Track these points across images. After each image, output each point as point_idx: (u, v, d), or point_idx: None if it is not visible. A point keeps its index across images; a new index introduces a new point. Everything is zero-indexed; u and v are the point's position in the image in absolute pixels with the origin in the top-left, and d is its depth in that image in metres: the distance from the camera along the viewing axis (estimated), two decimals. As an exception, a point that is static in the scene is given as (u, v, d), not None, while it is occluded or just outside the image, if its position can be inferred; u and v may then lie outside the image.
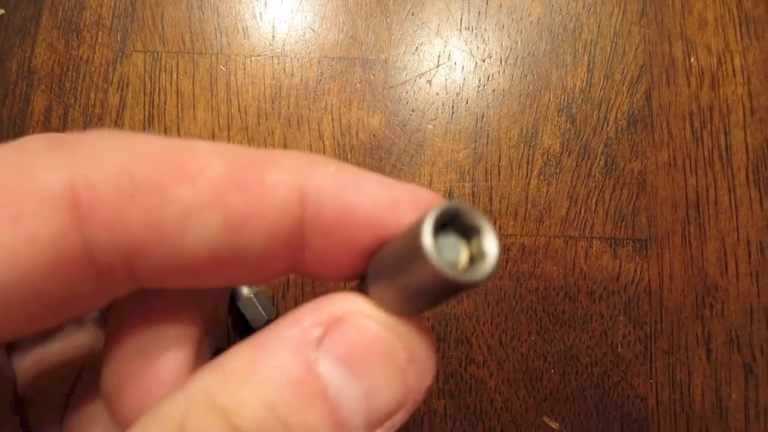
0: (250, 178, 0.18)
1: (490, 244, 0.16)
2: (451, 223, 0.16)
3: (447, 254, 0.16)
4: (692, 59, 0.39)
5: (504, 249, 0.37)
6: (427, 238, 0.14)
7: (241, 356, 0.18)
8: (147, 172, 0.16)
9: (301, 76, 0.38)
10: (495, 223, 0.37)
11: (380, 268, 0.19)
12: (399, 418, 0.20)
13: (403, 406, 0.20)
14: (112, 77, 0.37)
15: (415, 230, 0.16)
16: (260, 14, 0.39)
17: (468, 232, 0.16)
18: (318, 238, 0.19)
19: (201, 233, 0.17)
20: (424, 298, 0.17)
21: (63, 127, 0.37)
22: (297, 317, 0.19)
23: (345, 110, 0.38)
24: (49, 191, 0.16)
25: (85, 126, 0.37)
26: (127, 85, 0.37)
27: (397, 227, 0.17)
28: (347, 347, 0.18)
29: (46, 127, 0.37)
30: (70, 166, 0.16)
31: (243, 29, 0.38)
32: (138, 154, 0.17)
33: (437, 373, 0.34)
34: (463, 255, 0.15)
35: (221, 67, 0.38)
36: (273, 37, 0.38)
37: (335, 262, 0.20)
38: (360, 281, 0.20)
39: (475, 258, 0.16)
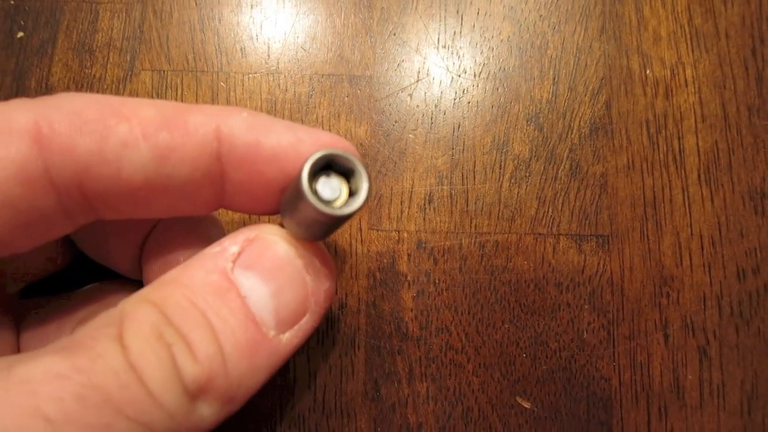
0: (176, 119, 0.23)
1: (362, 183, 0.21)
2: (334, 166, 0.21)
3: (326, 193, 0.21)
4: (648, 71, 0.44)
5: (479, 246, 0.41)
6: (304, 181, 0.19)
7: (173, 270, 0.23)
8: (93, 113, 0.21)
9: (294, 91, 0.42)
10: (471, 222, 0.41)
11: (284, 204, 0.24)
12: (306, 323, 0.25)
13: (307, 308, 0.25)
14: (123, 93, 0.42)
15: (299, 174, 0.21)
16: (256, 35, 0.43)
17: (347, 174, 0.21)
18: (233, 172, 0.23)
19: (135, 161, 0.22)
20: (316, 227, 0.22)
21: (78, 139, 0.41)
22: (220, 241, 0.24)
23: (334, 122, 0.42)
24: (17, 125, 0.21)
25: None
26: (136, 101, 0.42)
27: (300, 163, 0.22)
28: (257, 258, 0.24)
29: (63, 139, 0.41)
30: (35, 109, 0.21)
31: (241, 49, 0.43)
32: (87, 101, 0.22)
33: (420, 358, 0.38)
34: (344, 192, 0.20)
35: (221, 83, 0.42)
36: (268, 56, 0.43)
37: (253, 196, 0.25)
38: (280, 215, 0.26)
39: (353, 194, 0.21)
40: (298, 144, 0.23)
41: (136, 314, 0.20)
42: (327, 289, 0.27)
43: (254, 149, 0.23)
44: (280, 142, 0.23)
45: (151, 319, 0.20)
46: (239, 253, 0.23)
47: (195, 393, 0.21)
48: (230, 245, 0.24)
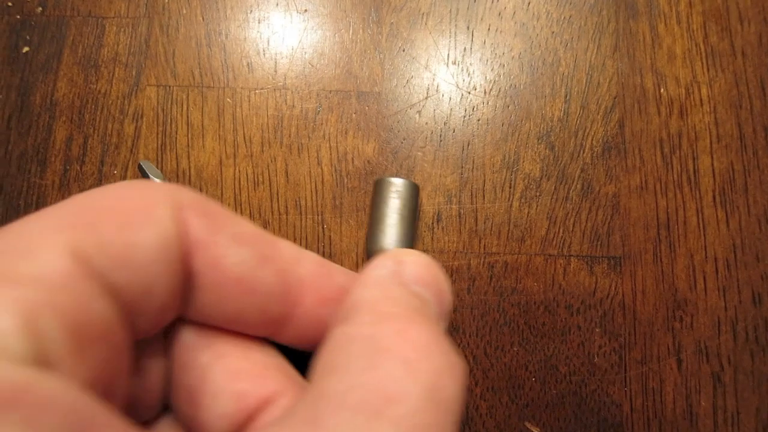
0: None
1: None
2: None
3: None
4: (662, 90, 0.44)
5: (488, 266, 0.41)
6: None
7: (364, 291, 0.24)
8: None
9: (301, 107, 0.43)
10: (480, 242, 0.42)
11: None
12: (448, 320, 0.28)
13: (449, 311, 0.28)
14: (128, 109, 0.42)
15: None
16: (263, 51, 0.44)
17: None
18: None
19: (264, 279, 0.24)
20: None
21: (83, 154, 0.41)
22: (379, 264, 0.26)
23: (342, 139, 0.42)
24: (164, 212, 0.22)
25: (103, 154, 0.42)
26: (142, 116, 0.42)
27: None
28: (417, 274, 0.26)
29: (67, 154, 0.41)
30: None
31: (248, 65, 0.43)
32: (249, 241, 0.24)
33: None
34: None
35: (228, 99, 0.43)
36: (275, 71, 0.43)
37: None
38: None
39: None
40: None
41: (407, 335, 0.21)
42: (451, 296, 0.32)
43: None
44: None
45: (424, 335, 0.21)
46: (401, 272, 0.26)
47: None
48: (393, 265, 0.26)
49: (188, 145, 0.42)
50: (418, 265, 0.27)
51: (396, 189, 0.38)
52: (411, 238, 0.38)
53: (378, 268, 0.26)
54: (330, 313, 0.27)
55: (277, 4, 0.44)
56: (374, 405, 0.18)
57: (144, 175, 0.39)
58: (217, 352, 0.26)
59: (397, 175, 0.42)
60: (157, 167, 0.41)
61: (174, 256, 0.22)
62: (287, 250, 0.28)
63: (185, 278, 0.23)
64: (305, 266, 0.28)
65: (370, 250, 0.38)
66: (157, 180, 0.39)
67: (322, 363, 0.21)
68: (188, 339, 0.26)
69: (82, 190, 0.41)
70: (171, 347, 0.26)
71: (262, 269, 0.25)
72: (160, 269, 0.21)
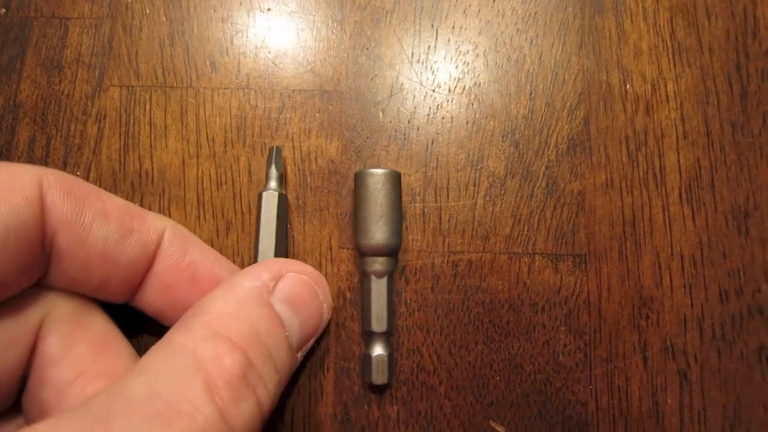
0: (137, 211, 0.30)
1: None
2: None
3: None
4: (628, 86, 0.44)
5: (452, 265, 0.42)
6: None
7: (219, 300, 0.26)
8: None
9: (264, 107, 0.43)
10: (444, 241, 0.42)
11: None
12: (311, 343, 0.33)
13: (316, 333, 0.33)
14: (91, 110, 0.43)
15: None
16: (227, 50, 0.44)
17: None
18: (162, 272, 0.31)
19: (102, 232, 0.26)
20: None
21: (46, 155, 0.42)
22: (253, 273, 0.29)
23: (305, 138, 0.43)
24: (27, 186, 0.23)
25: (66, 155, 0.42)
26: (105, 117, 0.43)
27: None
28: (290, 292, 0.30)
29: (30, 155, 0.42)
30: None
31: (211, 64, 0.44)
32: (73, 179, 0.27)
33: (389, 377, 0.39)
34: None
35: (191, 99, 0.43)
36: (238, 71, 0.44)
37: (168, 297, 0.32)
38: None
39: None
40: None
41: (222, 360, 0.23)
42: (328, 317, 0.36)
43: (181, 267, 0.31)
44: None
45: (239, 365, 0.23)
46: (274, 286, 0.29)
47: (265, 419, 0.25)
48: (268, 279, 0.29)
49: (151, 146, 0.42)
50: (295, 284, 0.31)
51: (382, 180, 0.38)
52: (400, 228, 0.39)
53: (251, 278, 0.29)
54: (179, 285, 0.30)
55: (241, 3, 0.45)
56: (166, 417, 0.19)
57: (269, 160, 0.40)
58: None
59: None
60: (120, 168, 0.42)
61: (27, 237, 0.23)
62: (155, 222, 0.30)
63: (42, 255, 0.25)
64: (167, 237, 0.29)
65: (361, 246, 0.39)
66: (274, 169, 0.40)
67: (143, 360, 0.22)
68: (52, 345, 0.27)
69: (44, 191, 0.42)
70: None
71: (126, 242, 0.28)
72: (8, 249, 0.23)
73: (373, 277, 0.39)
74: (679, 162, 0.43)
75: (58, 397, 0.26)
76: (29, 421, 0.27)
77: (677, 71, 0.44)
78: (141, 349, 0.37)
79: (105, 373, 0.27)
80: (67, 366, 0.27)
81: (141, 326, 0.38)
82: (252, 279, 0.28)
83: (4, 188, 0.23)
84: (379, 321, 0.39)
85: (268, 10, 0.45)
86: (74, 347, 0.27)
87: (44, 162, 0.42)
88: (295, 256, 0.41)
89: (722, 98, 0.44)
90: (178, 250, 0.30)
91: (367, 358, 0.39)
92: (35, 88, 0.43)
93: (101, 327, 0.29)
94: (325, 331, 0.40)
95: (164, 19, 0.44)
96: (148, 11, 0.44)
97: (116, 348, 0.30)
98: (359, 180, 0.39)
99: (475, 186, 0.42)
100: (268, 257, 0.39)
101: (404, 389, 0.40)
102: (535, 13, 0.45)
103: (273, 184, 0.40)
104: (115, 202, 0.27)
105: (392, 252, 0.39)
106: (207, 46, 0.44)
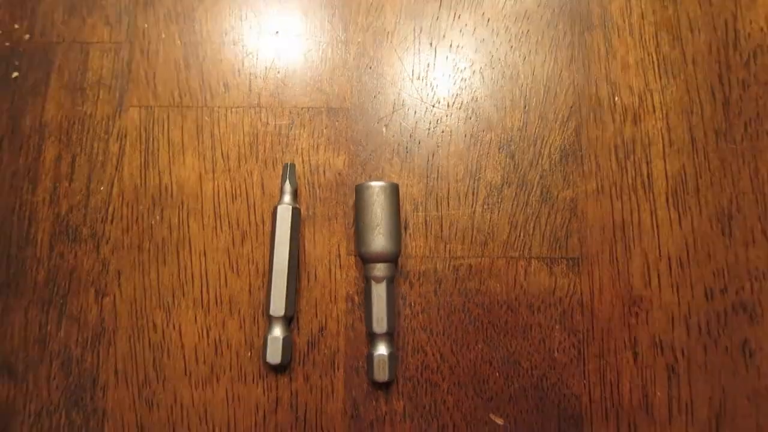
0: None
1: None
2: None
3: None
4: (616, 98, 0.47)
5: (453, 269, 0.45)
6: None
7: None
8: None
9: (275, 124, 0.47)
10: (445, 247, 0.45)
11: None
12: None
13: None
14: (112, 129, 0.46)
15: None
16: (238, 71, 0.47)
17: None
18: None
19: None
20: None
21: (71, 172, 0.45)
22: None
23: (313, 153, 0.46)
24: None
25: (90, 171, 0.46)
26: (125, 136, 0.46)
27: None
28: None
29: (56, 172, 0.45)
30: None
31: (224, 84, 0.47)
32: None
33: (391, 375, 0.42)
34: None
35: (206, 118, 0.46)
36: (250, 90, 0.47)
37: None
38: None
39: None
40: None
41: None
42: None
43: None
44: None
45: None
46: None
47: None
48: None
49: (170, 162, 0.46)
50: None
51: (377, 192, 0.42)
52: (397, 235, 0.43)
53: None
54: None
55: (251, 27, 0.48)
56: None
57: (283, 176, 0.44)
58: None
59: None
60: (141, 183, 0.45)
61: None
62: None
63: None
64: None
65: (361, 253, 0.42)
66: (288, 184, 0.44)
67: None
68: None
69: (71, 206, 0.45)
70: None
71: None
72: None
73: (373, 281, 0.42)
74: (665, 169, 0.46)
75: None
76: None
77: (663, 83, 0.48)
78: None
79: None
80: None
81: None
82: None
83: None
84: (379, 322, 0.42)
85: (277, 33, 0.48)
86: None
87: (70, 178, 0.45)
88: (306, 264, 0.45)
89: (706, 107, 0.47)
90: None
91: (370, 358, 0.42)
92: (59, 109, 0.46)
93: None
94: (336, 333, 0.44)
95: (179, 42, 0.47)
96: (163, 36, 0.48)
97: None
98: (358, 193, 0.43)
99: (473, 195, 0.46)
100: (283, 266, 0.42)
101: (409, 386, 0.44)
102: (528, 31, 0.48)
103: (287, 198, 0.44)
104: None
105: (390, 258, 0.43)
106: (220, 67, 0.47)
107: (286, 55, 0.48)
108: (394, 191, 0.43)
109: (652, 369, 0.44)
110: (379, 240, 0.42)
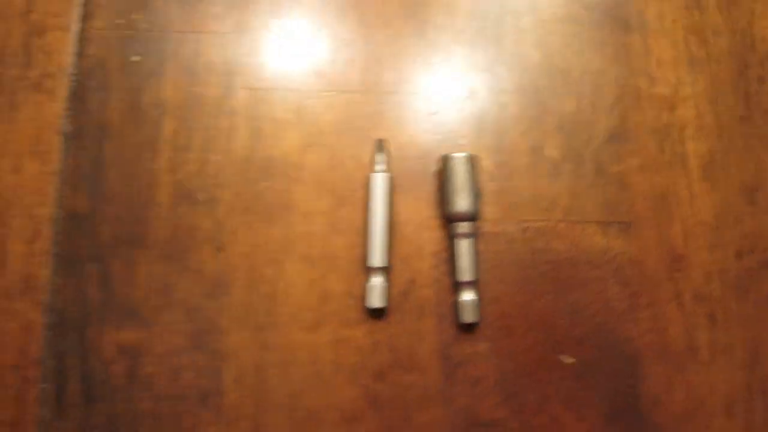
0: None
1: None
2: None
3: None
4: (654, 90, 0.56)
5: (522, 231, 0.52)
6: None
7: None
8: None
9: (367, 104, 0.54)
10: (516, 212, 0.53)
11: None
12: None
13: None
14: (224, 107, 0.53)
15: None
16: (333, 60, 0.55)
17: None
18: None
19: None
20: None
21: (188, 144, 0.52)
22: None
23: (399, 129, 0.53)
24: None
25: (204, 144, 0.52)
26: (235, 113, 0.53)
27: None
28: None
29: (174, 144, 0.52)
30: None
31: (320, 71, 0.54)
32: None
33: (477, 316, 0.49)
34: None
35: (306, 100, 0.53)
36: (344, 76, 0.54)
37: None
38: None
39: None
40: None
41: None
42: None
43: None
44: None
45: None
46: None
47: None
48: None
49: (274, 137, 0.53)
50: None
51: (462, 161, 0.49)
52: (477, 198, 0.50)
53: None
54: None
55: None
56: None
57: (377, 148, 0.51)
58: None
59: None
60: (250, 155, 0.52)
61: None
62: None
63: None
64: None
65: (448, 213, 0.49)
66: (381, 155, 0.50)
67: None
68: None
69: (188, 173, 0.51)
70: None
71: None
72: None
73: (459, 238, 0.49)
74: (697, 148, 0.55)
75: None
76: None
77: (692, 77, 0.56)
78: (279, 298, 0.46)
79: None
80: None
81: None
82: None
83: None
84: (465, 272, 0.49)
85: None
86: None
87: (187, 149, 0.52)
88: (397, 225, 0.51)
89: (729, 98, 0.56)
90: None
91: (458, 303, 0.49)
92: (176, 89, 0.53)
93: None
94: (425, 284, 0.50)
95: (279, 32, 0.55)
96: (267, 27, 0.55)
97: None
98: (445, 162, 0.50)
99: (537, 168, 0.53)
100: (379, 224, 0.49)
101: (489, 331, 0.50)
102: (579, 32, 0.57)
103: (381, 167, 0.51)
104: None
105: (473, 217, 0.50)
106: (316, 55, 0.55)
107: (369, 47, 0.55)
108: (475, 161, 0.50)
109: (694, 317, 0.52)
110: (464, 202, 0.49)
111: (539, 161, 0.54)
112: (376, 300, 0.48)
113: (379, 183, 0.50)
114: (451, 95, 0.55)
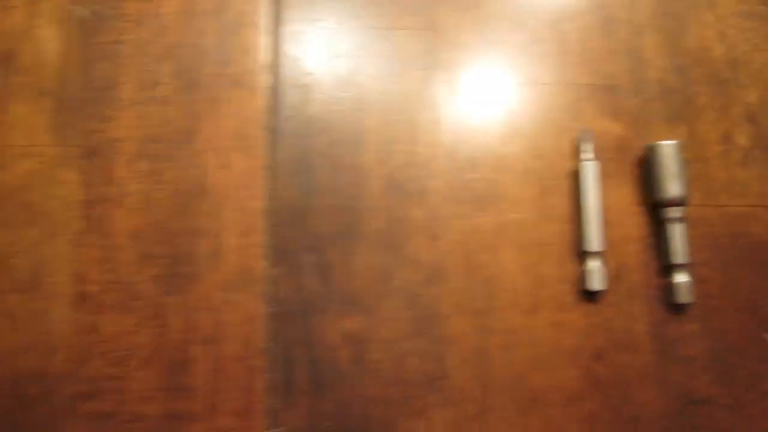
0: None
1: None
2: None
3: None
4: (834, 75, 0.57)
5: (721, 216, 0.54)
6: None
7: None
8: None
9: (566, 99, 0.56)
10: (712, 197, 0.54)
11: None
12: None
13: None
14: (426, 101, 0.55)
15: None
16: (528, 53, 0.57)
17: None
18: None
19: None
20: None
21: (395, 138, 0.53)
22: None
23: (599, 121, 0.55)
24: None
25: (410, 137, 0.54)
26: (436, 107, 0.55)
27: None
28: None
29: (379, 139, 0.53)
30: None
31: (514, 63, 0.56)
32: None
33: (690, 297, 0.51)
34: None
35: (505, 93, 0.55)
36: (538, 71, 0.56)
37: None
38: None
39: None
40: None
41: None
42: None
43: None
44: None
45: None
46: None
47: None
48: None
49: (474, 130, 0.54)
50: None
51: (672, 149, 0.51)
52: (687, 184, 0.51)
53: None
54: None
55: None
56: None
57: (583, 139, 0.53)
58: None
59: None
60: (454, 148, 0.53)
61: None
62: None
63: None
64: None
65: (660, 199, 0.51)
66: (587, 145, 0.53)
67: None
68: None
69: (397, 165, 0.53)
70: None
71: None
72: None
73: (670, 222, 0.51)
74: None
75: None
76: None
77: None
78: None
79: None
80: None
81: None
82: None
83: None
84: (677, 255, 0.51)
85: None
86: None
87: (393, 141, 0.53)
88: (604, 210, 0.53)
89: None
90: None
91: (672, 284, 0.51)
92: (376, 83, 0.55)
93: None
94: (634, 268, 0.52)
95: (473, 29, 0.56)
96: (459, 24, 0.56)
97: None
98: (655, 150, 0.52)
99: (730, 156, 0.55)
100: (592, 210, 0.51)
101: (698, 311, 0.52)
102: (758, 27, 0.58)
103: (588, 155, 0.52)
104: None
105: (682, 202, 0.51)
106: (513, 49, 0.56)
107: (567, 39, 0.57)
108: (680, 149, 0.52)
109: None
110: (675, 187, 0.51)
111: (731, 149, 0.55)
112: (596, 283, 0.50)
113: (590, 171, 0.52)
114: (641, 87, 0.56)
